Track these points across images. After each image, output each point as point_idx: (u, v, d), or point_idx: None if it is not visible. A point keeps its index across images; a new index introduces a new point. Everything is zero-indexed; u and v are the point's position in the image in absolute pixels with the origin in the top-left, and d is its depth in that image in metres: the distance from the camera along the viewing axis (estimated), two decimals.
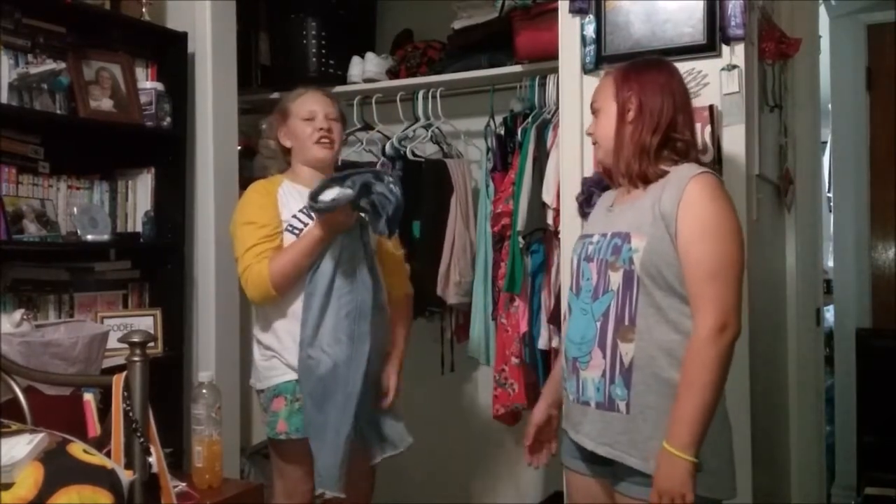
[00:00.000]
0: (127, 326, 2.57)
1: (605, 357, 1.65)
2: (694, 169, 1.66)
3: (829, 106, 3.96)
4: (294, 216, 2.19)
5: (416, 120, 3.01)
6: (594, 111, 1.81)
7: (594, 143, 1.83)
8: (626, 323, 1.63)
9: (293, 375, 2.16)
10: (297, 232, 2.17)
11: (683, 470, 1.53)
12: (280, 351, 2.18)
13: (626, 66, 1.79)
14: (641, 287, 1.62)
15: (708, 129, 2.10)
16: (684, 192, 1.61)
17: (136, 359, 1.64)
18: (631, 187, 1.74)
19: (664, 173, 1.68)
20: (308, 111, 2.26)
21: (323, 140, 2.25)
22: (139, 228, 2.75)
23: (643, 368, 1.61)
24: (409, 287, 2.46)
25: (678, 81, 1.76)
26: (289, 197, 2.23)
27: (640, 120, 1.70)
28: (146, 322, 2.69)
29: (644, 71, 1.76)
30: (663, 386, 1.60)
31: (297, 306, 2.15)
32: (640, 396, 1.61)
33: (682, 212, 1.60)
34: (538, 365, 2.63)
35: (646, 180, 1.70)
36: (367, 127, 3.13)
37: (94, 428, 1.88)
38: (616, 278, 1.64)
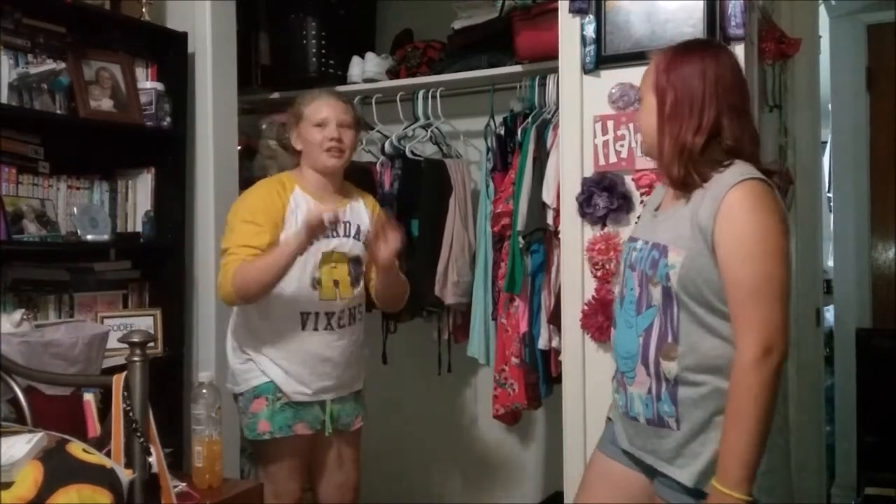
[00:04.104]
0: (127, 326, 2.57)
1: (648, 374, 1.57)
2: (736, 175, 1.50)
3: (829, 106, 3.95)
4: None
5: (416, 120, 3.01)
6: (639, 98, 1.68)
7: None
8: (669, 340, 1.53)
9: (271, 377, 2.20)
10: None
11: None
12: (256, 358, 2.21)
13: (671, 51, 1.63)
14: (681, 304, 1.51)
15: None
16: (722, 203, 1.46)
17: (136, 359, 1.63)
18: (675, 191, 1.60)
19: (709, 178, 1.52)
20: (320, 118, 2.24)
21: (332, 149, 2.23)
22: (139, 228, 2.75)
23: (688, 384, 1.52)
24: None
25: (729, 68, 1.56)
26: (299, 208, 2.20)
27: (679, 116, 1.54)
28: (146, 322, 2.69)
29: (686, 57, 1.57)
30: (710, 399, 1.51)
31: (273, 317, 2.18)
32: (688, 411, 1.52)
33: (719, 225, 1.46)
34: (538, 365, 2.63)
35: (686, 186, 1.55)
36: (367, 127, 3.13)
37: (94, 428, 1.89)
38: (657, 294, 1.54)
